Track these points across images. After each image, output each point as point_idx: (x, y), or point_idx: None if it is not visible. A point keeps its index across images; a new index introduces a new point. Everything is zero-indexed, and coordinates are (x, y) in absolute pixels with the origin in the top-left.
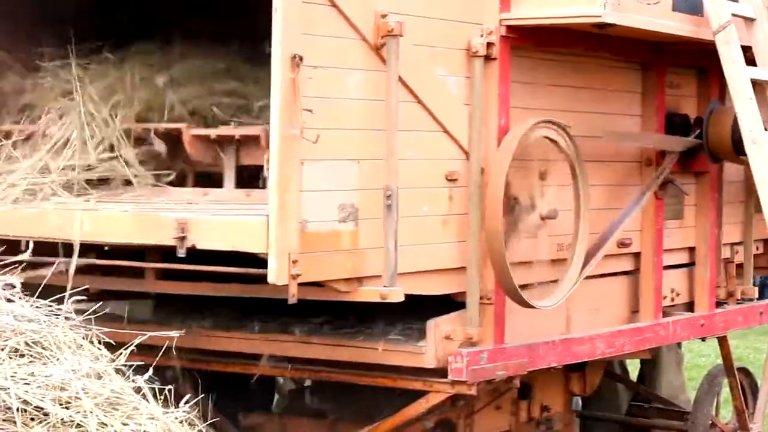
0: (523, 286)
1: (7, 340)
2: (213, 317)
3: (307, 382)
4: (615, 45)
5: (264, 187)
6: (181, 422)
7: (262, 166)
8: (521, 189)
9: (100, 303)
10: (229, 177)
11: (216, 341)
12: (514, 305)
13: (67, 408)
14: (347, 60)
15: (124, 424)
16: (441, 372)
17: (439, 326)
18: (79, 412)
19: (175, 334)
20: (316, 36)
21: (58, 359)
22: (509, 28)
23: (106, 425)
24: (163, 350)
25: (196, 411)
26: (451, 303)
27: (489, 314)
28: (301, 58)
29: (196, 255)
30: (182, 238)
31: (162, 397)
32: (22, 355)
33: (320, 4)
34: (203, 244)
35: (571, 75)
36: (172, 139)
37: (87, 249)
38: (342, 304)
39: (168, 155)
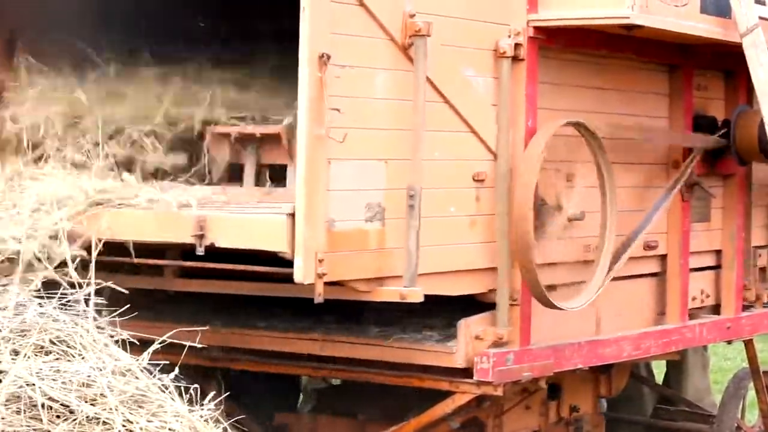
0: (550, 288)
1: (30, 338)
2: (236, 316)
3: (335, 381)
4: (642, 47)
5: (284, 185)
6: (206, 420)
7: (282, 165)
8: (548, 190)
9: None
10: (249, 175)
11: (241, 339)
12: (540, 306)
13: (92, 405)
14: (375, 59)
15: (149, 422)
16: (469, 372)
17: (469, 326)
18: (104, 409)
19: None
20: (344, 35)
21: (83, 357)
22: (537, 29)
23: (131, 422)
24: (187, 349)
25: (221, 409)
26: (476, 304)
27: (515, 315)
28: (328, 57)
29: (211, 253)
30: (201, 236)
31: (187, 396)
32: (48, 353)
33: (348, 4)
34: (222, 243)
35: (599, 76)
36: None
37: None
38: (361, 303)
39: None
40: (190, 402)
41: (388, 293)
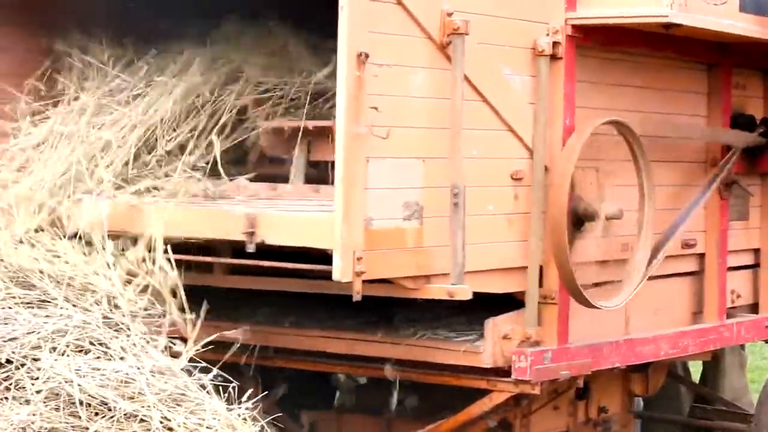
0: (587, 286)
1: (70, 336)
2: (269, 314)
3: (361, 380)
4: (681, 45)
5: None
6: (244, 419)
7: (330, 162)
8: (586, 189)
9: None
10: (299, 172)
11: (276, 337)
12: (577, 305)
13: (130, 403)
14: (413, 58)
15: (187, 419)
16: (503, 371)
17: (497, 325)
18: (143, 406)
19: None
20: (382, 34)
21: (122, 358)
22: (575, 27)
23: (168, 420)
24: (223, 346)
25: (259, 408)
26: (509, 302)
27: (552, 314)
28: (366, 56)
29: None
30: (251, 234)
31: (226, 394)
32: (87, 352)
33: (386, 2)
34: (272, 240)
35: (637, 75)
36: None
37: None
38: (387, 302)
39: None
40: (228, 400)
41: (436, 291)
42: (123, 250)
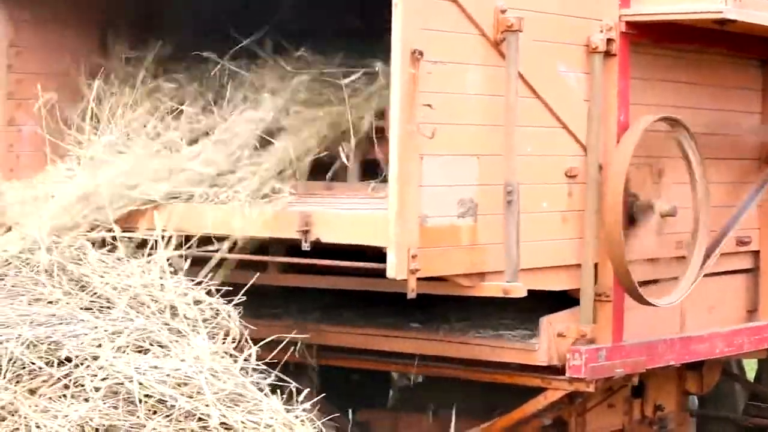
0: (642, 284)
1: (130, 335)
2: (324, 313)
3: (417, 378)
4: (735, 41)
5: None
6: (302, 421)
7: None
8: (640, 186)
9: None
10: (354, 170)
11: (330, 336)
12: (632, 302)
13: (189, 401)
14: (467, 55)
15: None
16: (557, 369)
17: (552, 323)
18: (202, 405)
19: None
20: (436, 31)
21: (182, 360)
22: (629, 24)
23: (227, 418)
24: (280, 345)
25: (317, 408)
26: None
27: (607, 312)
28: (421, 54)
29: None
30: (306, 232)
31: (285, 393)
32: (146, 352)
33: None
34: (327, 238)
35: (690, 71)
36: None
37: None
38: (438, 300)
39: None
40: (288, 398)
41: (491, 288)
42: (183, 256)
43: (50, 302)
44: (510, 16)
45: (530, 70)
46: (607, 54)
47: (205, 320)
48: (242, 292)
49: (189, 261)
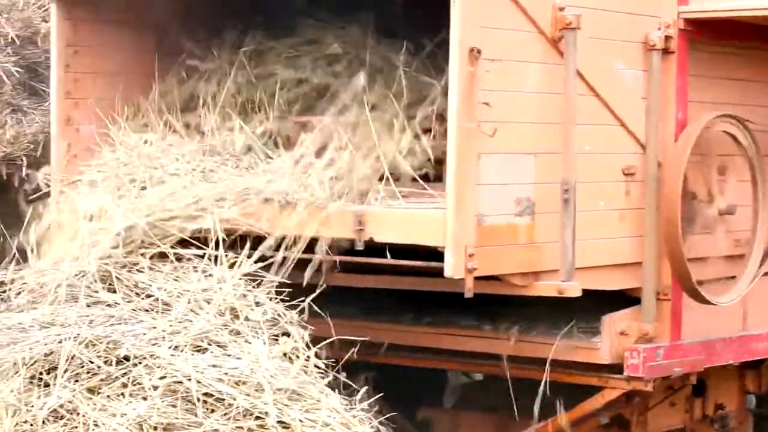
0: (700, 282)
1: (188, 334)
2: (380, 311)
3: (477, 377)
4: None
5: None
6: (360, 420)
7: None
8: (699, 184)
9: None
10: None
11: (386, 334)
12: (690, 301)
13: (247, 399)
14: (524, 53)
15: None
16: (615, 367)
17: (613, 322)
18: (262, 403)
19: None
20: (494, 29)
21: (239, 358)
22: (687, 21)
23: (285, 416)
24: (335, 344)
25: (375, 408)
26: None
27: (665, 310)
28: (479, 52)
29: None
30: (360, 231)
31: (344, 392)
32: (204, 351)
33: None
34: (381, 237)
35: (749, 68)
36: None
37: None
38: (497, 298)
39: None
40: (347, 398)
41: (545, 288)
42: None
43: (108, 305)
44: (568, 13)
45: (588, 68)
46: (666, 51)
47: (265, 322)
48: (314, 294)
49: (249, 262)
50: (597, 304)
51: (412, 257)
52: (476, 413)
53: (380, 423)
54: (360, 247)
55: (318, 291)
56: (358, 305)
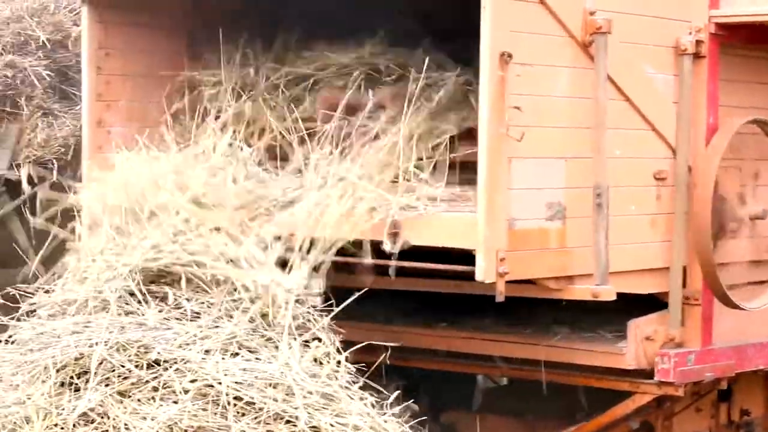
0: (731, 287)
1: (219, 338)
2: (409, 316)
3: (502, 381)
4: None
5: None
6: (391, 424)
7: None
8: (730, 188)
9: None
10: (440, 174)
11: (415, 338)
12: (720, 306)
13: (277, 403)
14: (555, 57)
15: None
16: (645, 373)
17: (639, 327)
18: (293, 407)
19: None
20: (525, 33)
21: (269, 362)
22: (718, 25)
23: (315, 420)
24: (365, 348)
25: (408, 414)
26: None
27: (696, 315)
28: (510, 56)
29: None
30: (395, 234)
31: (374, 396)
32: (235, 355)
33: (528, 1)
34: (415, 240)
35: None
36: None
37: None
38: (519, 302)
39: None
40: (378, 402)
41: (580, 292)
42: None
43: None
44: (599, 17)
45: (619, 72)
46: (696, 56)
47: (297, 327)
48: (349, 301)
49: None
50: (621, 309)
51: (443, 261)
52: (502, 417)
53: (411, 428)
54: (395, 250)
55: (357, 294)
56: (387, 308)
